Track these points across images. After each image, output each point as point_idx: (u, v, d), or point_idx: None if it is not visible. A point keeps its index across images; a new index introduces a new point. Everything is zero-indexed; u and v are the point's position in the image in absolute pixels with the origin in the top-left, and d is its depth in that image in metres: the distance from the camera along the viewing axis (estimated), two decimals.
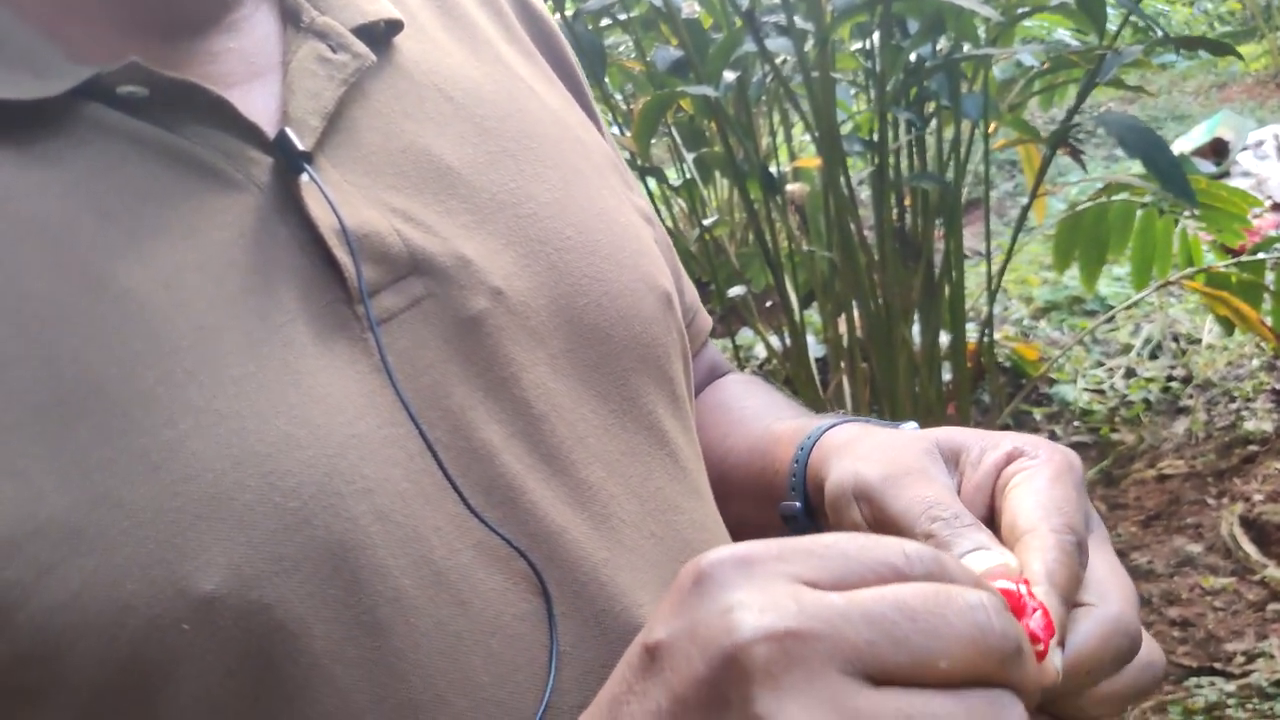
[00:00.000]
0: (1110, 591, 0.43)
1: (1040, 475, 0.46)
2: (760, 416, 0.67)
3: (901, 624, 0.32)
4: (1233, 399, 2.64)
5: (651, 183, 2.14)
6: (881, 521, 0.47)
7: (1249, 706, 1.86)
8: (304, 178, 0.48)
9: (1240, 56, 2.00)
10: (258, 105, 0.50)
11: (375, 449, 0.46)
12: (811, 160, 2.36)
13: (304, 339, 0.46)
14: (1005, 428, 2.59)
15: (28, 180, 0.45)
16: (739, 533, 0.61)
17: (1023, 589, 0.40)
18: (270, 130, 0.49)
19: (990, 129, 2.14)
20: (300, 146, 0.48)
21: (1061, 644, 0.40)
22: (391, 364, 0.47)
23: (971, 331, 2.40)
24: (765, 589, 0.33)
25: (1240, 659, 1.97)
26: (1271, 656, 1.95)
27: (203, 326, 0.44)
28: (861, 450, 0.51)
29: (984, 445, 0.49)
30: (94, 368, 0.42)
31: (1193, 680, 1.94)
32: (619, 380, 0.55)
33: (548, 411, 0.51)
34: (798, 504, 0.57)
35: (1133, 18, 1.92)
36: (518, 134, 0.57)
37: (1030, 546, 0.43)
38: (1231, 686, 1.90)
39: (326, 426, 0.45)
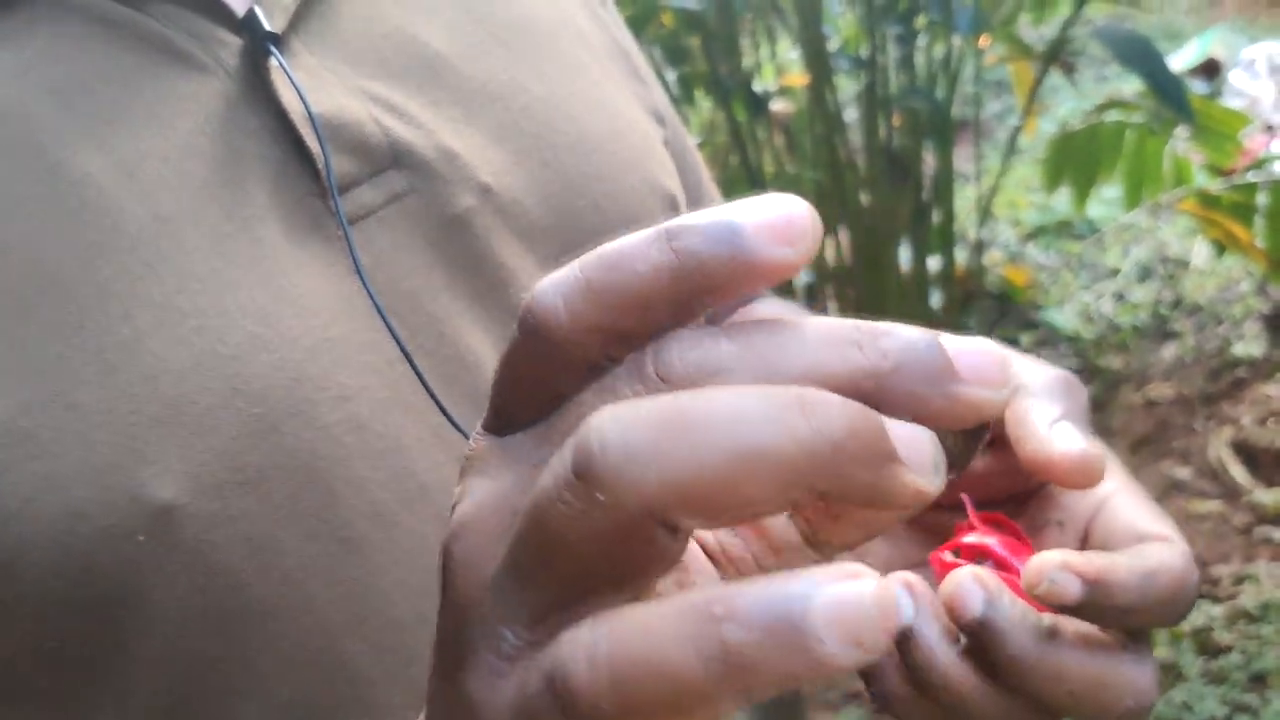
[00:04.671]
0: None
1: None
2: None
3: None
4: (1221, 323, 2.62)
5: None
6: None
7: (1236, 629, 1.86)
8: (273, 61, 0.44)
9: None
10: None
11: (351, 354, 0.42)
12: (798, 78, 2.30)
13: (274, 235, 0.43)
14: None
15: None
16: None
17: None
18: (241, 10, 0.45)
19: (981, 42, 2.08)
20: (268, 27, 0.44)
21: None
22: (362, 261, 0.43)
23: (959, 255, 2.36)
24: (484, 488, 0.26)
25: (1228, 582, 1.97)
26: (1258, 580, 1.94)
27: (165, 218, 0.41)
28: None
29: None
30: (47, 257, 0.39)
31: None
32: None
33: None
34: None
35: None
36: (511, 20, 0.53)
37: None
38: (1219, 610, 1.90)
39: (297, 329, 0.41)
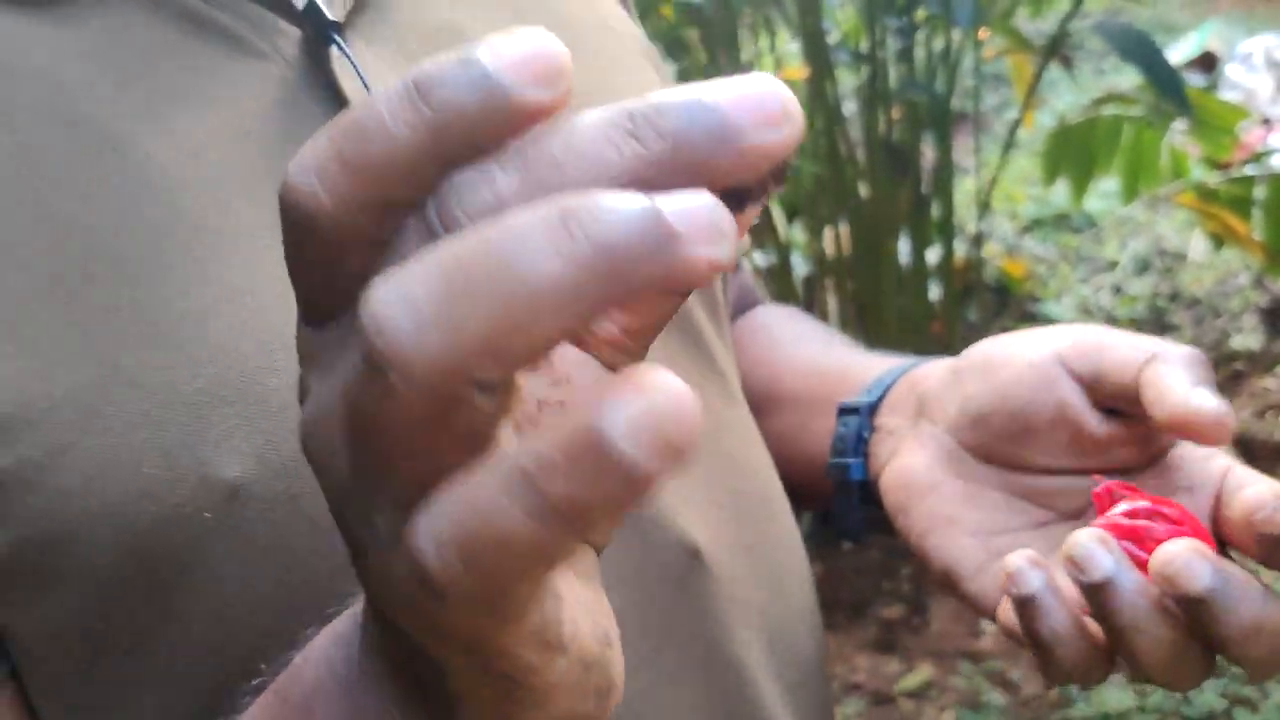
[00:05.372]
0: None
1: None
2: (817, 340, 0.65)
3: None
4: (1219, 316, 2.62)
5: None
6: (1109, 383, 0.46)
7: None
8: (334, 50, 0.44)
9: None
10: None
11: None
12: (797, 71, 2.30)
13: None
14: None
15: (44, 41, 0.42)
16: (781, 448, 0.60)
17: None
18: (299, 0, 0.46)
19: (980, 35, 2.08)
20: (330, 16, 0.44)
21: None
22: None
23: (958, 247, 2.36)
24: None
25: None
26: (1258, 572, 1.95)
27: (225, 200, 0.42)
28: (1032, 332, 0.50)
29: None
30: (110, 236, 0.40)
31: None
32: None
33: None
34: (865, 399, 0.55)
35: None
36: (550, 17, 0.54)
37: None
38: None
39: None
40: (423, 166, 0.21)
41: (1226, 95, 3.00)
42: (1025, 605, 0.42)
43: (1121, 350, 0.45)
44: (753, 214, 0.24)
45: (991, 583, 0.47)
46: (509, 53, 0.21)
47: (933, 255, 2.16)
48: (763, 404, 0.61)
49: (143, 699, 0.40)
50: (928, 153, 2.14)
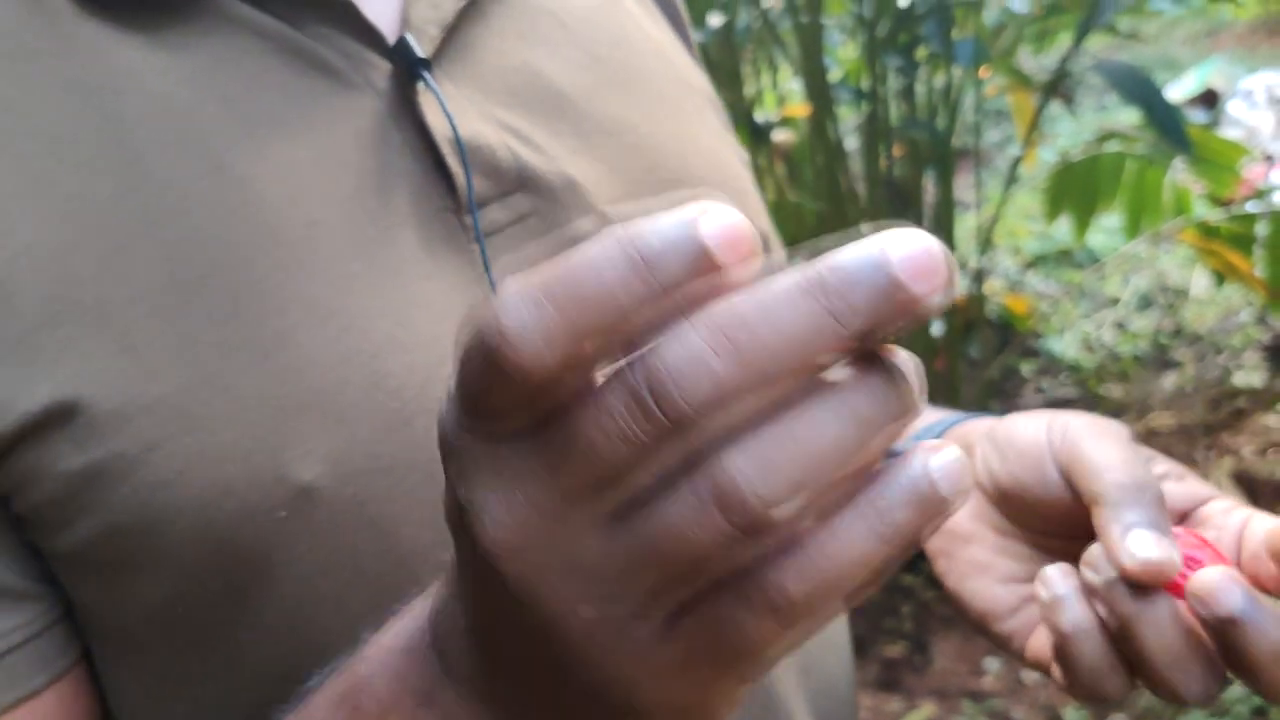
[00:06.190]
0: None
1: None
2: None
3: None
4: (1221, 352, 2.62)
5: None
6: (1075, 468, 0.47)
7: None
8: (420, 85, 0.48)
9: (1236, 1, 1.96)
10: (378, 9, 0.50)
11: None
12: (799, 108, 2.31)
13: (412, 244, 0.46)
14: (993, 382, 2.56)
15: (158, 66, 0.44)
16: None
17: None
18: (390, 36, 0.49)
19: (981, 73, 2.09)
20: (420, 54, 0.48)
21: None
22: (495, 276, 0.47)
23: (960, 283, 2.36)
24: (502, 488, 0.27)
25: None
26: None
27: (315, 221, 0.44)
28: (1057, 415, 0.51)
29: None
30: (209, 251, 0.42)
31: None
32: None
33: None
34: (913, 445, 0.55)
35: None
36: (624, 64, 0.57)
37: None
38: None
39: (430, 332, 0.45)
40: (642, 332, 0.24)
41: (1228, 132, 3.01)
42: (1053, 605, 0.44)
43: (1089, 461, 0.46)
44: None
45: (1022, 624, 0.50)
46: (715, 226, 0.24)
47: None
48: None
49: (212, 683, 0.43)
50: (929, 189, 2.15)
